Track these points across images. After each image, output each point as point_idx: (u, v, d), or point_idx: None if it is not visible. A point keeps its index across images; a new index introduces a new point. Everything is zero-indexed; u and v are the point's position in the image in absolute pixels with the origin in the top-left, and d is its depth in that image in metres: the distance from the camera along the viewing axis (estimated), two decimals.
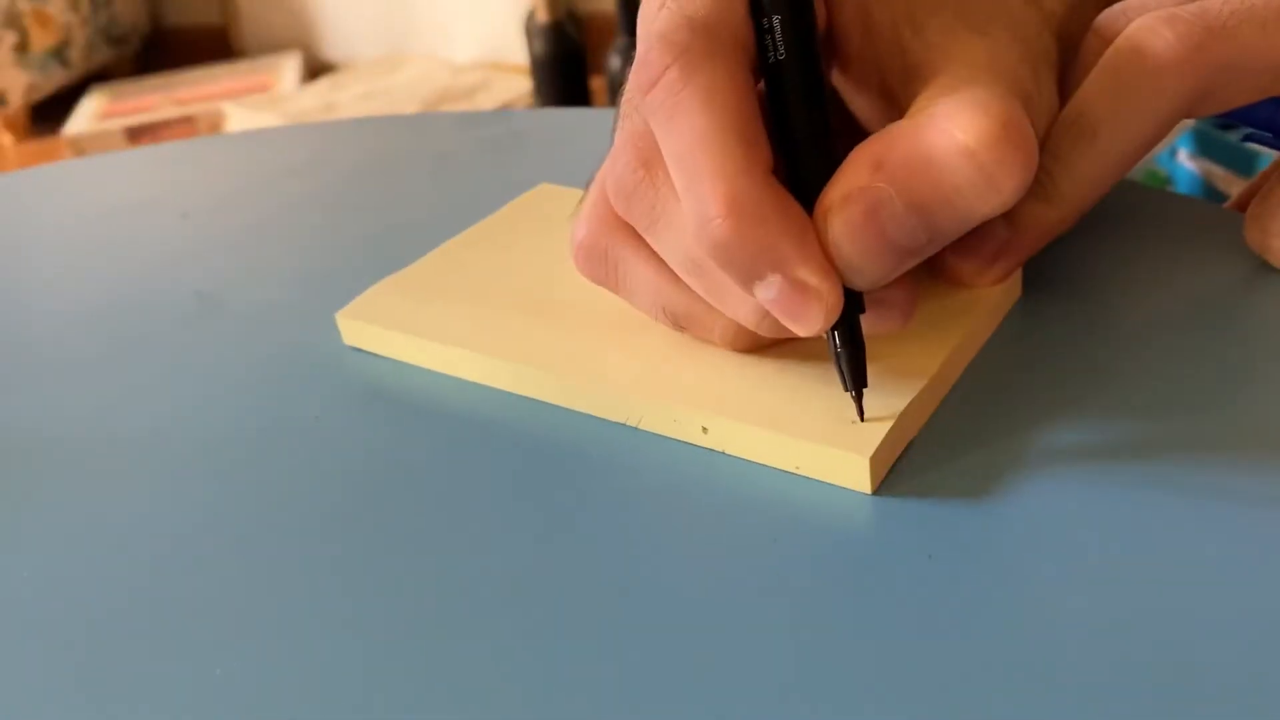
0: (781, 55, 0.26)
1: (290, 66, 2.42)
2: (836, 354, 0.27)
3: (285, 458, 0.30)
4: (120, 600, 0.26)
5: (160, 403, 0.33)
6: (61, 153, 2.19)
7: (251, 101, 2.18)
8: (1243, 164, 1.08)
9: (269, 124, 1.94)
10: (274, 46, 2.59)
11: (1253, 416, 0.27)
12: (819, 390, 0.28)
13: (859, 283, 0.26)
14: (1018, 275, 0.32)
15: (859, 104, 0.30)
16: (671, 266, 0.28)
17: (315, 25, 2.58)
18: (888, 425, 0.27)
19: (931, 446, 0.28)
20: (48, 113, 2.34)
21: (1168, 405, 0.28)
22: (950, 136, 0.24)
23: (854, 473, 0.26)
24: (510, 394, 0.32)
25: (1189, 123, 1.08)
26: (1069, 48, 0.31)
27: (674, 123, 0.25)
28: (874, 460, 0.26)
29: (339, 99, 2.15)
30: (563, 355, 0.31)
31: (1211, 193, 1.09)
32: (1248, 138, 0.33)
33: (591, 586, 0.25)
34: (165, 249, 0.43)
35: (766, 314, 0.27)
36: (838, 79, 0.30)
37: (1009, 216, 0.31)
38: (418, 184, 0.47)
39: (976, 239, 0.31)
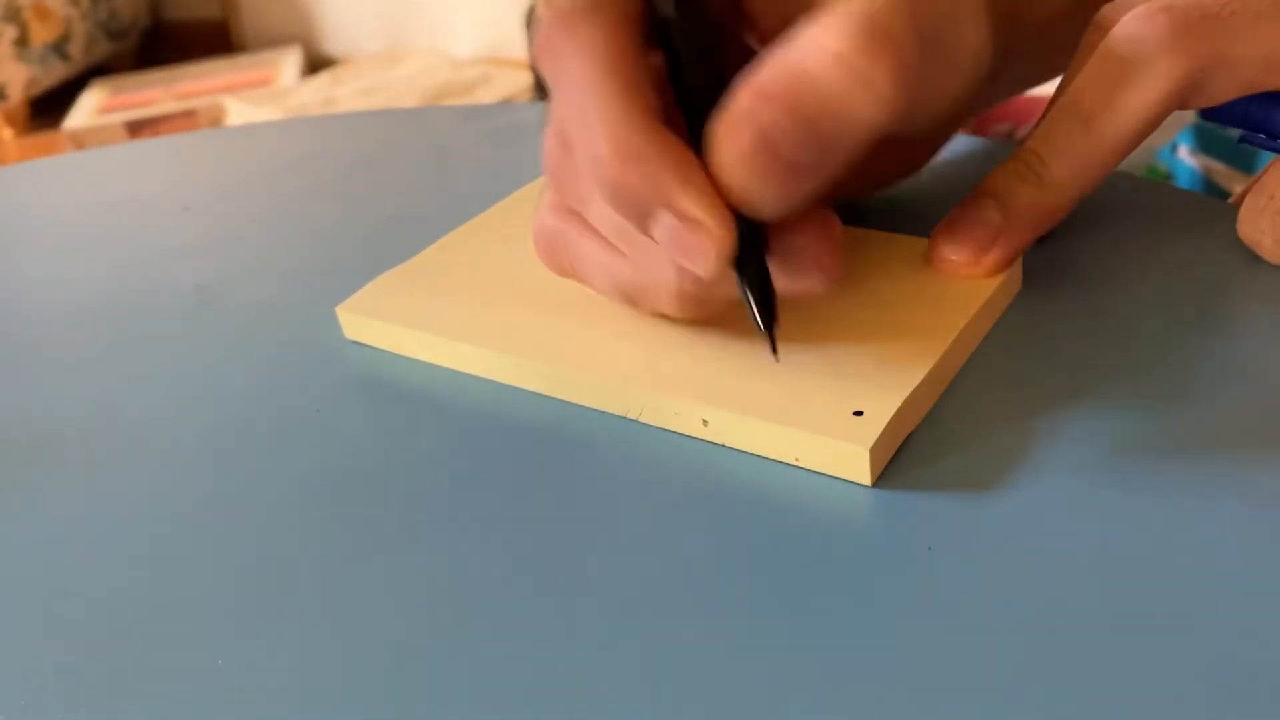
0: (670, 12, 0.27)
1: (290, 61, 2.42)
2: (745, 295, 0.27)
3: (286, 451, 0.30)
4: (122, 593, 0.26)
5: (160, 397, 0.33)
6: (62, 147, 2.19)
7: (252, 96, 2.18)
8: (1243, 160, 1.08)
9: (269, 118, 1.94)
10: (274, 41, 2.59)
11: (1252, 410, 0.28)
12: (819, 382, 0.28)
13: (761, 208, 0.26)
14: (1018, 268, 0.32)
15: None
16: (607, 237, 0.29)
17: (315, 20, 2.58)
18: (888, 417, 0.27)
19: (931, 438, 0.28)
20: (48, 107, 2.35)
21: (1168, 399, 0.28)
22: (820, 46, 0.25)
23: (854, 464, 0.26)
24: (511, 387, 0.32)
25: (1189, 118, 1.08)
26: (1066, 30, 0.31)
27: (560, 79, 0.26)
28: (874, 451, 0.26)
29: (339, 93, 2.14)
30: (563, 348, 0.31)
31: (1212, 189, 1.08)
32: (1243, 140, 0.33)
33: (591, 579, 0.25)
34: (165, 243, 0.43)
35: (687, 273, 0.27)
36: (753, 41, 0.30)
37: (1002, 204, 0.31)
38: (418, 177, 0.47)
39: (967, 228, 0.31)
